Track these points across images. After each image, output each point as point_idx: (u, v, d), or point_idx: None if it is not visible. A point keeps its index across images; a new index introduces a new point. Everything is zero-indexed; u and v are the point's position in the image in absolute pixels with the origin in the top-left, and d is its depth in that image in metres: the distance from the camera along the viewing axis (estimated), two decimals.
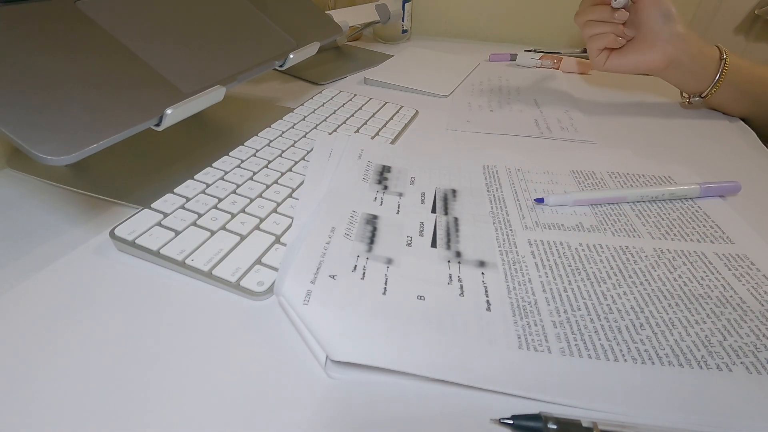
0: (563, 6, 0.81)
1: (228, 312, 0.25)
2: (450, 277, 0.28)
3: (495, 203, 0.35)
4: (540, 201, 0.35)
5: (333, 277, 0.26)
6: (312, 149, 0.40)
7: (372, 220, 0.32)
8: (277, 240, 0.29)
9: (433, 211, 0.34)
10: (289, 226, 0.31)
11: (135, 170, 0.37)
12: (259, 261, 0.28)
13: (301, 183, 0.35)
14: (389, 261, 0.28)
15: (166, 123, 0.30)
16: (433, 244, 0.30)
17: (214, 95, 0.34)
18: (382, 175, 0.38)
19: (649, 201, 0.36)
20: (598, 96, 0.59)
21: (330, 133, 0.43)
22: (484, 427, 0.20)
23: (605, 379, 0.22)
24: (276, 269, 0.27)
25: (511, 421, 0.20)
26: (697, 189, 0.36)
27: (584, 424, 0.19)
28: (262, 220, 0.31)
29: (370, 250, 0.29)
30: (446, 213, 0.34)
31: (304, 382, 0.22)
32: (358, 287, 0.26)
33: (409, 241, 0.30)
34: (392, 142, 0.44)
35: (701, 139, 0.48)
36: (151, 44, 0.33)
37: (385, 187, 0.36)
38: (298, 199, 0.33)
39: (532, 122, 0.51)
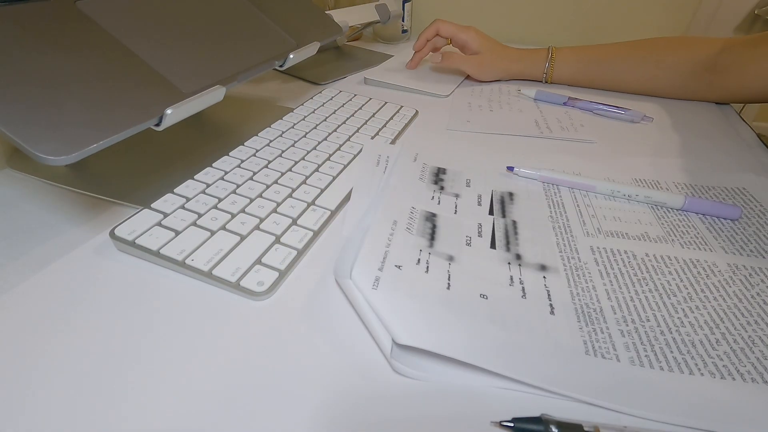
0: (563, 6, 0.82)
1: (228, 312, 0.25)
2: (511, 279, 0.28)
3: (554, 208, 0.35)
4: (510, 169, 0.39)
5: (399, 267, 0.27)
6: (358, 154, 0.40)
7: (431, 218, 0.32)
8: (277, 240, 0.29)
9: (491, 213, 0.34)
10: (289, 226, 0.31)
11: (135, 170, 0.37)
12: (259, 261, 0.28)
13: (301, 184, 0.35)
14: (450, 258, 0.29)
15: (166, 123, 0.30)
16: (492, 246, 0.31)
17: (214, 95, 0.34)
18: (438, 176, 0.38)
19: (624, 198, 0.36)
20: (598, 95, 0.59)
21: (372, 137, 0.44)
22: (485, 429, 0.20)
23: (680, 392, 0.21)
24: (276, 269, 0.27)
25: (511, 424, 0.20)
26: (682, 200, 0.35)
27: (586, 428, 0.19)
28: (262, 220, 0.31)
29: (431, 245, 0.30)
30: (504, 216, 0.34)
31: (303, 383, 0.22)
32: (423, 280, 0.26)
33: (468, 241, 0.31)
34: (392, 142, 0.44)
35: (703, 140, 0.48)
36: (151, 44, 0.33)
37: (442, 188, 0.37)
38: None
39: (532, 122, 0.51)
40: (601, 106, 0.53)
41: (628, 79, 0.59)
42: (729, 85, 0.53)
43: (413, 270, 0.27)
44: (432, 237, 0.31)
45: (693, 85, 0.56)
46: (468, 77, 0.65)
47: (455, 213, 0.34)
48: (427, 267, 0.28)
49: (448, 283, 0.27)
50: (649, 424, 0.20)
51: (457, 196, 0.36)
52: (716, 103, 0.57)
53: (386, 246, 0.28)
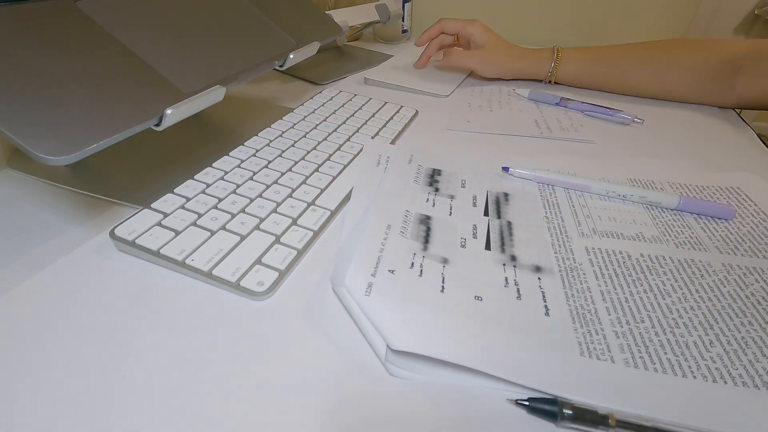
0: (564, 6, 0.82)
1: (228, 312, 0.25)
2: (506, 280, 0.28)
3: (549, 208, 0.35)
4: (506, 170, 0.39)
5: (392, 272, 0.27)
6: (359, 154, 0.40)
7: (425, 220, 0.32)
8: (277, 240, 0.29)
9: (486, 214, 0.34)
10: (289, 226, 0.31)
11: (135, 170, 0.37)
12: (259, 261, 0.28)
13: (301, 184, 0.35)
14: (445, 261, 0.29)
15: (166, 123, 0.30)
16: (487, 247, 0.31)
17: (214, 95, 0.34)
18: (433, 177, 0.38)
19: (619, 198, 0.36)
20: (597, 96, 0.59)
21: (372, 137, 0.44)
22: (481, 428, 0.20)
23: (674, 395, 0.21)
24: (276, 269, 0.27)
25: (527, 403, 0.20)
26: (676, 200, 0.35)
27: (600, 412, 0.20)
28: (262, 220, 0.31)
29: (425, 249, 0.30)
30: (499, 216, 0.34)
31: (302, 382, 0.22)
32: (416, 284, 0.26)
33: (463, 243, 0.31)
34: (392, 142, 0.44)
35: (701, 140, 0.48)
36: (151, 44, 0.33)
37: (437, 189, 0.36)
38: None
39: (532, 122, 0.51)
40: (591, 107, 0.53)
41: (636, 80, 0.56)
42: (755, 89, 0.50)
43: (407, 274, 0.27)
44: (426, 240, 0.30)
45: (711, 89, 0.53)
46: (469, 76, 0.65)
47: (450, 215, 0.33)
48: (421, 270, 0.28)
49: (442, 286, 0.27)
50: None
51: (452, 197, 0.36)
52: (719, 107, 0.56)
53: (379, 251, 0.28)
